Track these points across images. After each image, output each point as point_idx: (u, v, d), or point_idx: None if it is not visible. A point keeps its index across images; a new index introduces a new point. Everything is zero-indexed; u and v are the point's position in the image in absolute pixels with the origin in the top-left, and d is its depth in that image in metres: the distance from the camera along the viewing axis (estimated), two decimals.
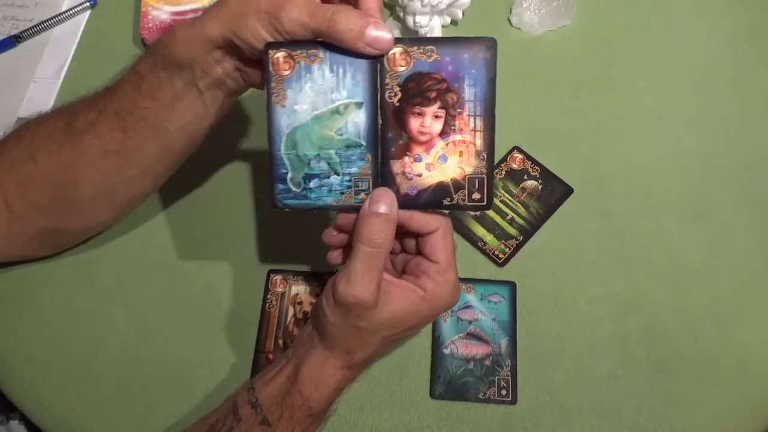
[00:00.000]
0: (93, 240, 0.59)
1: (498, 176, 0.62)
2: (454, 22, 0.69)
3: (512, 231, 0.60)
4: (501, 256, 0.59)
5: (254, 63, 0.43)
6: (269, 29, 0.40)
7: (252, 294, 0.58)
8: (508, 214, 0.61)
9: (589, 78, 0.67)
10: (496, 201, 0.61)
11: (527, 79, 0.67)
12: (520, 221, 0.60)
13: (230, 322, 0.57)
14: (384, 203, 0.42)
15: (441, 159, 0.42)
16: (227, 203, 0.62)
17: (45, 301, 0.58)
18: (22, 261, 0.58)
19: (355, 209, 0.43)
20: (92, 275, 0.59)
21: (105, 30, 0.71)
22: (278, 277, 0.58)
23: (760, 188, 0.62)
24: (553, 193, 0.61)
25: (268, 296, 0.58)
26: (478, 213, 0.60)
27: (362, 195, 0.43)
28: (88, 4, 0.72)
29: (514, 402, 0.54)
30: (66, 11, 0.71)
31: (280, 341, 0.56)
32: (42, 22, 0.70)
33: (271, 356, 0.55)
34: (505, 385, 0.54)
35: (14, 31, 0.70)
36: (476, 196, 0.42)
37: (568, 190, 0.62)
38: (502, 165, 0.63)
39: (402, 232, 0.45)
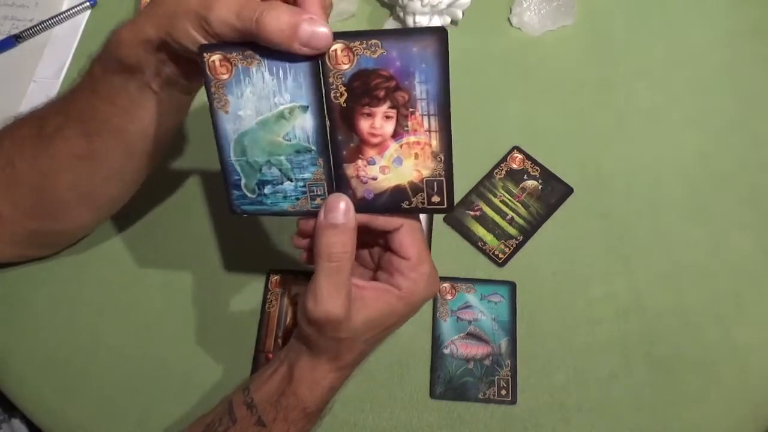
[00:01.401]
0: (92, 239, 0.59)
1: (498, 176, 0.62)
2: (454, 22, 0.69)
3: (512, 231, 0.60)
4: (501, 256, 0.59)
5: (196, 64, 0.40)
6: (200, 31, 0.37)
7: (252, 294, 0.58)
8: (508, 214, 0.61)
9: (589, 78, 0.67)
10: (496, 201, 0.61)
11: (527, 79, 0.67)
12: (520, 221, 0.60)
13: (230, 321, 0.57)
14: (339, 212, 0.40)
15: (396, 162, 0.39)
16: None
17: (45, 301, 0.58)
18: (20, 261, 0.58)
19: (313, 214, 0.41)
20: (92, 275, 0.59)
21: (105, 30, 0.70)
22: (278, 277, 0.58)
23: (760, 188, 0.62)
24: (553, 193, 0.61)
25: (268, 296, 0.58)
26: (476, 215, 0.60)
27: (318, 200, 0.41)
28: (88, 4, 0.72)
29: (514, 402, 0.54)
30: (66, 11, 0.71)
31: (280, 341, 0.56)
32: (42, 22, 0.70)
33: (270, 356, 0.55)
34: (505, 385, 0.54)
35: (14, 31, 0.70)
36: (435, 199, 0.40)
37: (568, 190, 0.62)
38: (502, 165, 0.63)
39: (367, 231, 0.43)
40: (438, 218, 0.60)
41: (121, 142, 0.46)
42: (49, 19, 0.71)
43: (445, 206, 0.41)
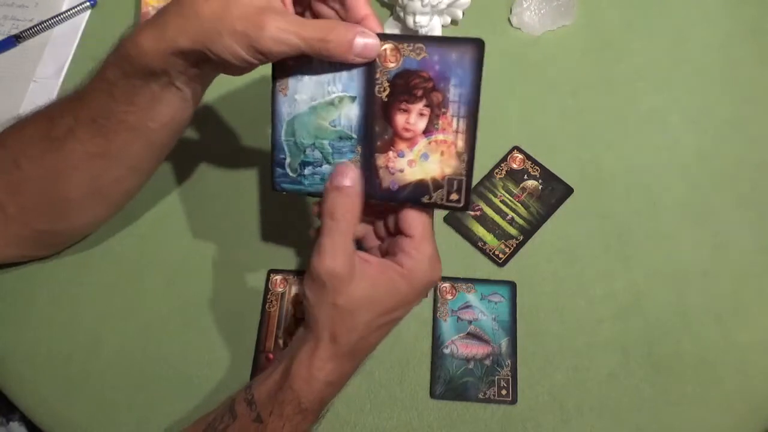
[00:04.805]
0: (93, 240, 0.59)
1: (498, 176, 0.62)
2: (454, 22, 0.69)
3: (512, 231, 0.60)
4: (501, 256, 0.59)
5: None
6: (248, 50, 0.39)
7: (252, 294, 0.58)
8: (508, 214, 0.61)
9: (589, 78, 0.67)
10: (497, 201, 0.61)
11: (527, 79, 0.67)
12: (520, 221, 0.60)
13: (230, 321, 0.57)
14: (346, 177, 0.42)
15: (423, 157, 0.42)
16: (227, 203, 0.62)
17: (45, 301, 0.58)
18: (22, 261, 0.58)
19: None
20: (92, 275, 0.59)
21: (105, 30, 0.71)
22: (278, 277, 0.58)
23: (760, 188, 0.62)
24: (553, 193, 0.61)
25: (268, 296, 0.58)
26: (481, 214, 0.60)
27: None
28: (88, 4, 0.72)
29: (514, 402, 0.54)
30: (66, 11, 0.71)
31: (280, 341, 0.56)
32: (42, 22, 0.70)
33: (271, 356, 0.55)
34: (505, 385, 0.54)
35: (14, 31, 0.70)
36: (454, 197, 0.43)
37: (568, 190, 0.62)
38: (502, 165, 0.63)
39: (381, 210, 0.46)
40: (438, 218, 0.60)
41: (139, 138, 0.47)
42: (49, 19, 0.71)
43: (462, 205, 0.43)
